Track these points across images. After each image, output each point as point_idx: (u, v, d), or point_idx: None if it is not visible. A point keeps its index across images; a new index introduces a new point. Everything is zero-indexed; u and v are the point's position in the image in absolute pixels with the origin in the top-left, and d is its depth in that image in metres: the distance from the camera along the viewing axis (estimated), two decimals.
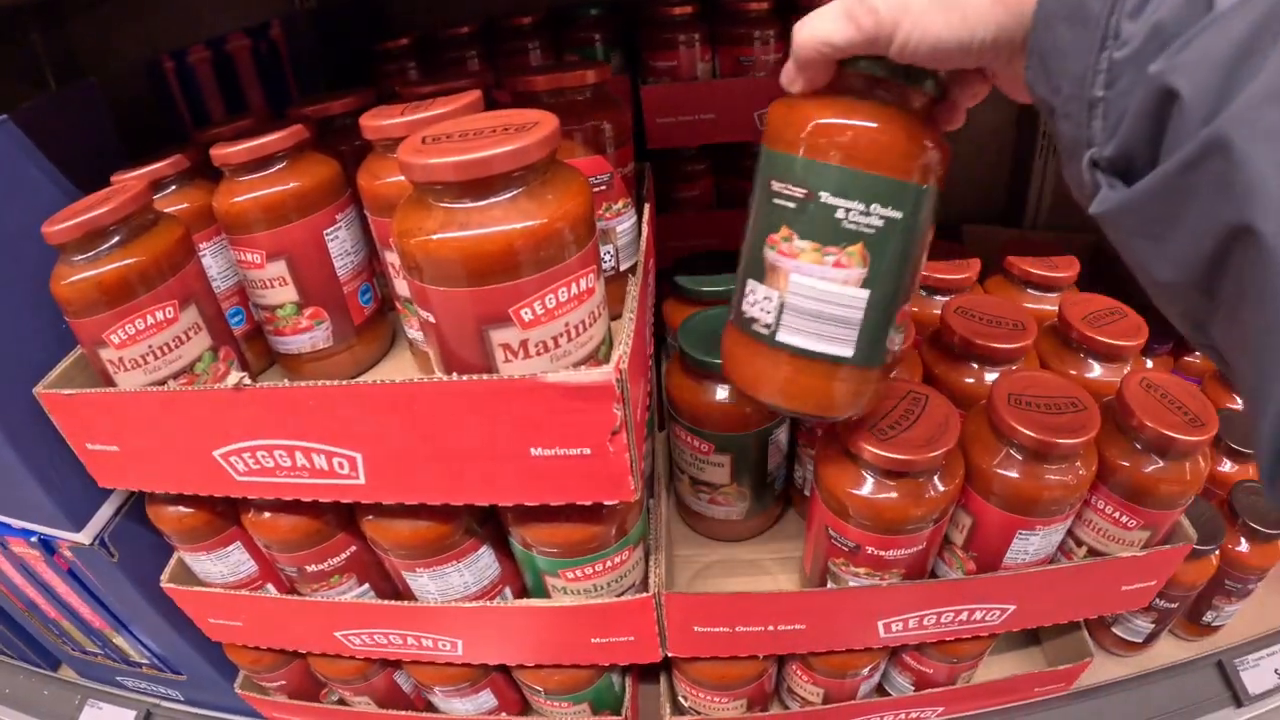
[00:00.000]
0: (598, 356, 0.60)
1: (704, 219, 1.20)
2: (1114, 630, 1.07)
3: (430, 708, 1.00)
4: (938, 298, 1.01)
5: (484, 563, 0.79)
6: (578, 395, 0.55)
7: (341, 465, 0.66)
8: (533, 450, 0.60)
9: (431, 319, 0.57)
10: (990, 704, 1.01)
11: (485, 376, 0.56)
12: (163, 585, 0.86)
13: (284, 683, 0.99)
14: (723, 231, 1.18)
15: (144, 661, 1.03)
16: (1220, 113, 0.31)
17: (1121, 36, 0.36)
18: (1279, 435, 0.33)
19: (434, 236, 0.53)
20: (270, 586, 0.89)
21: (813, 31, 0.49)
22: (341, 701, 1.02)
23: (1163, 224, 0.35)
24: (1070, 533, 0.85)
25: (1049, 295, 1.02)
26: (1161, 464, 0.76)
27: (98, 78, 0.92)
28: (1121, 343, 0.87)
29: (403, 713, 0.97)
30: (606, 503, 0.63)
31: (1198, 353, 1.28)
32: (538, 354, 0.57)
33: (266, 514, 0.78)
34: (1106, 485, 0.79)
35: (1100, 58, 0.37)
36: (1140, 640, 1.07)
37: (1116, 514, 0.80)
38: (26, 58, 1.07)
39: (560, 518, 0.70)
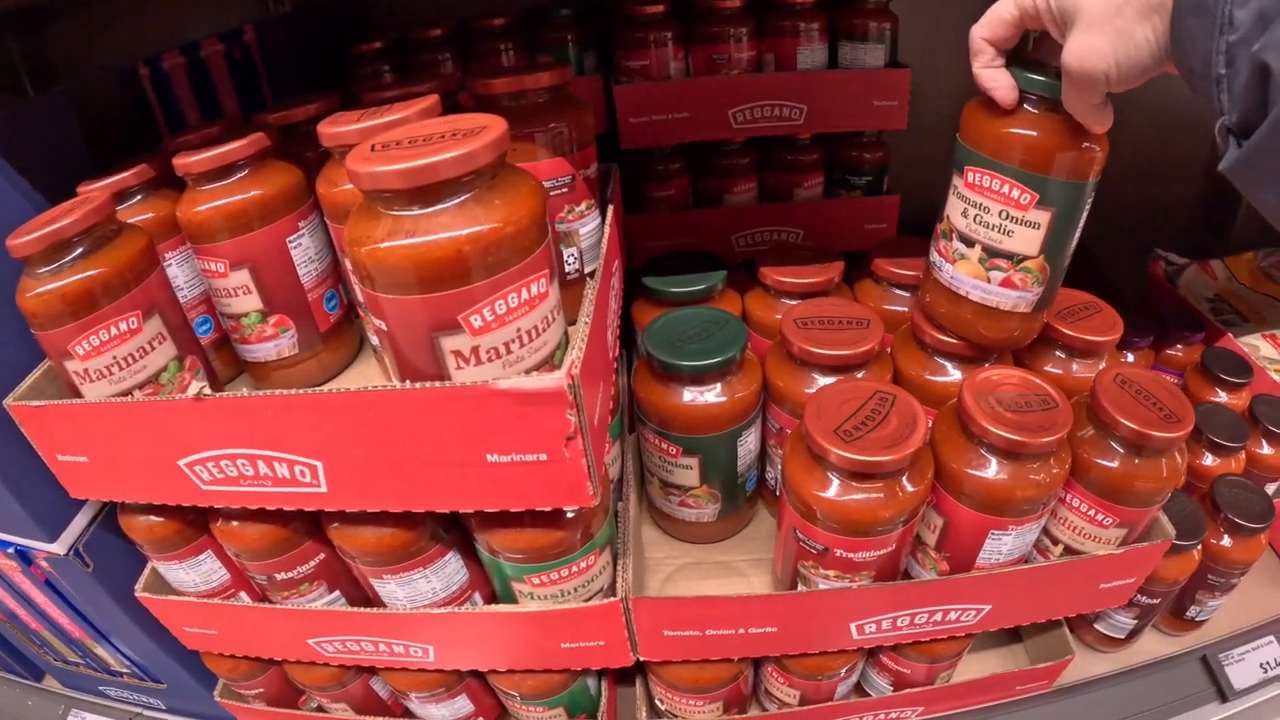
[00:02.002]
0: (553, 362, 0.60)
1: (678, 219, 1.19)
2: (1096, 626, 1.06)
3: (408, 714, 1.00)
4: (908, 295, 1.00)
5: (451, 569, 0.78)
6: (529, 401, 0.55)
7: (303, 473, 0.66)
8: (489, 457, 0.59)
9: (384, 326, 0.57)
10: (971, 703, 1.01)
11: (437, 384, 0.56)
12: (137, 595, 0.85)
13: (262, 690, 0.99)
14: (698, 231, 1.17)
15: (125, 671, 1.02)
16: None
17: (1234, 23, 0.44)
18: None
19: (382, 245, 0.52)
20: (243, 595, 0.88)
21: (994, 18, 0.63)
22: (320, 708, 1.02)
23: (1274, 172, 0.44)
24: (1046, 531, 0.84)
25: None
26: (1137, 461, 0.75)
27: (75, 85, 0.92)
28: (1096, 338, 0.86)
29: (380, 719, 0.97)
30: (568, 508, 0.63)
31: (1179, 346, 1.27)
32: (489, 360, 0.56)
33: (234, 523, 0.77)
34: (1082, 483, 0.78)
35: (1219, 41, 0.45)
36: (1123, 636, 1.07)
37: (1092, 512, 0.79)
38: (3, 65, 1.06)
39: (523, 523, 0.70)
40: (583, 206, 0.76)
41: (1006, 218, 0.74)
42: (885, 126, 1.14)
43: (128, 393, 0.70)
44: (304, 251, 0.76)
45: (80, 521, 0.82)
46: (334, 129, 0.66)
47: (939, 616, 0.83)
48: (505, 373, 0.57)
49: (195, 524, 0.81)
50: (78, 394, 0.69)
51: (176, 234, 0.79)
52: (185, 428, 0.65)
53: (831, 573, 0.77)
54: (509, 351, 0.56)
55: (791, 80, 1.09)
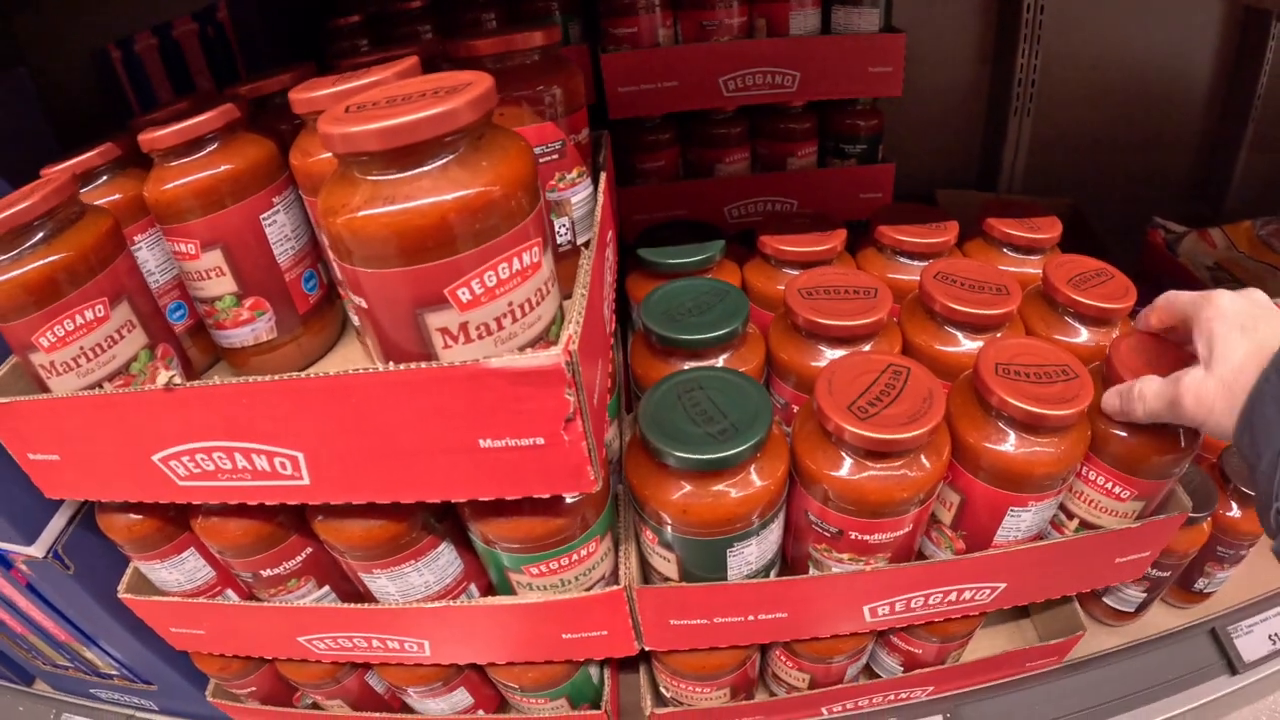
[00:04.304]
0: (548, 338, 0.56)
1: (669, 190, 1.16)
2: (1105, 600, 1.05)
3: (406, 708, 0.97)
4: (914, 263, 0.97)
5: (444, 561, 0.75)
6: (525, 381, 0.51)
7: (284, 465, 0.62)
8: (481, 442, 0.55)
9: (364, 304, 0.53)
10: (981, 681, 0.99)
11: (423, 365, 0.52)
12: (120, 596, 0.83)
13: (254, 689, 0.97)
14: (688, 203, 1.15)
15: (114, 673, 1.00)
16: None
17: None
18: None
19: (359, 214, 0.48)
20: (230, 592, 0.85)
21: (1149, 409, 0.68)
22: (315, 705, 0.99)
23: None
24: (1061, 506, 0.82)
25: (1030, 258, 0.99)
26: (1155, 432, 0.72)
27: (46, 69, 0.88)
28: (1110, 305, 0.84)
29: (378, 714, 0.95)
30: (567, 494, 0.60)
31: None
32: (479, 337, 0.52)
33: (216, 519, 0.74)
34: (1100, 456, 0.76)
35: None
36: (1132, 610, 1.06)
37: (1110, 485, 0.77)
38: None
39: (520, 511, 0.66)
40: (574, 174, 0.72)
41: None
42: (880, 93, 1.11)
43: (97, 385, 0.66)
44: (279, 229, 0.73)
45: (58, 523, 0.80)
46: (307, 94, 0.62)
47: (953, 596, 0.81)
48: (497, 351, 0.53)
49: (176, 521, 0.77)
50: (45, 389, 0.66)
51: (145, 215, 0.75)
52: (156, 420, 0.62)
53: (846, 556, 0.74)
54: (500, 327, 0.53)
55: (783, 46, 1.06)
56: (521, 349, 0.54)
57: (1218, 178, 1.75)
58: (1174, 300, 0.70)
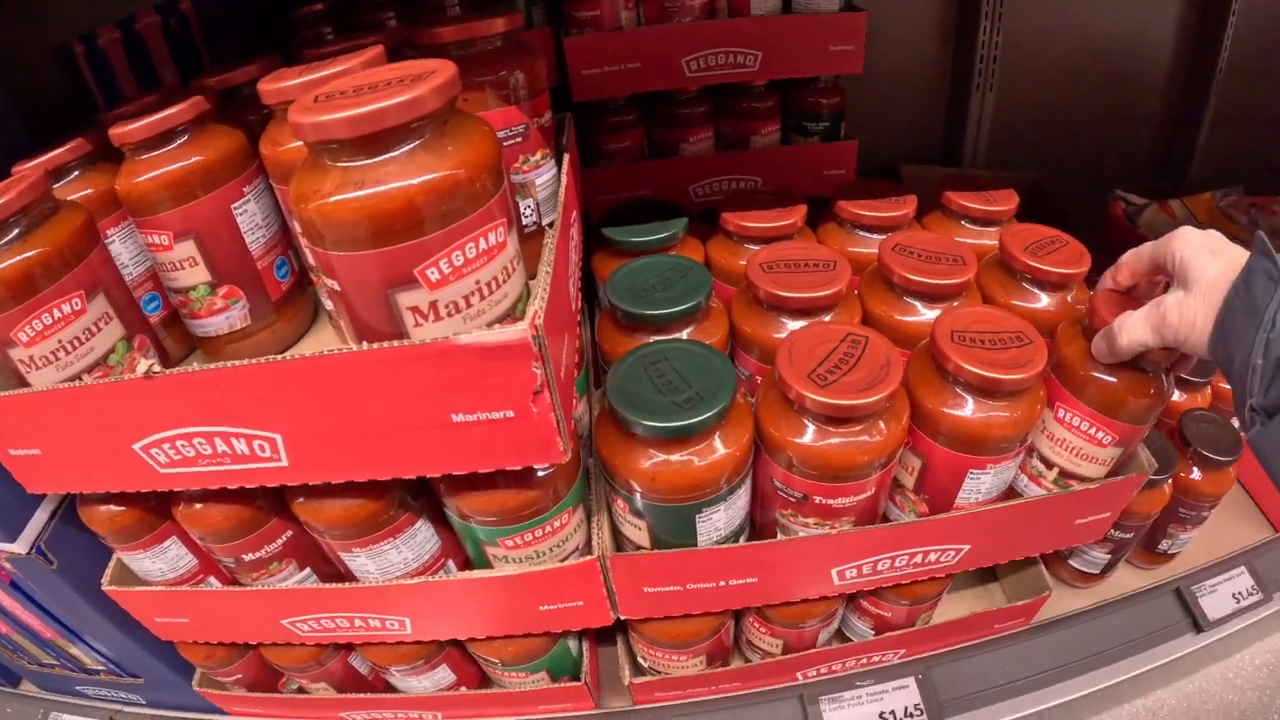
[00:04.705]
0: (515, 314, 0.58)
1: (634, 171, 1.17)
2: (1071, 563, 1.08)
3: (390, 688, 0.98)
4: (874, 236, 0.99)
5: (422, 537, 0.76)
6: (493, 356, 0.53)
7: (262, 448, 0.63)
8: (454, 417, 0.57)
9: (337, 287, 0.54)
10: (951, 643, 1.01)
11: (395, 343, 0.54)
12: (104, 588, 0.83)
13: (240, 676, 0.98)
14: (654, 182, 1.16)
15: (100, 668, 1.01)
16: None
17: (1275, 325, 0.57)
18: None
19: (331, 199, 0.50)
20: (212, 579, 0.86)
21: (1132, 337, 0.70)
22: (301, 690, 1.00)
23: None
24: (1040, 456, 0.84)
25: (988, 229, 1.00)
26: (1135, 375, 0.75)
27: (11, 67, 0.88)
28: (1066, 270, 0.86)
29: (362, 695, 0.96)
30: (538, 466, 0.61)
31: None
32: (449, 315, 0.54)
33: (197, 505, 0.75)
34: (1082, 399, 0.78)
35: (1259, 337, 0.57)
36: (1097, 571, 1.08)
37: (1092, 429, 0.79)
38: None
39: (493, 485, 0.68)
40: (538, 156, 0.74)
41: None
42: (841, 71, 1.12)
43: (76, 378, 0.67)
44: (251, 218, 0.74)
45: (40, 518, 0.80)
46: (276, 85, 0.63)
47: (919, 558, 0.83)
48: (466, 328, 0.55)
49: (157, 510, 0.78)
50: (24, 383, 0.66)
51: (118, 209, 0.76)
52: (137, 409, 0.63)
53: (811, 520, 0.76)
54: (469, 305, 0.54)
55: (745, 26, 1.07)
56: (489, 326, 0.56)
57: (1179, 152, 1.78)
58: (1139, 251, 0.73)
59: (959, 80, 1.57)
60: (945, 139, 1.66)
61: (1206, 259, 0.65)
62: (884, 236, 0.95)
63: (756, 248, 0.95)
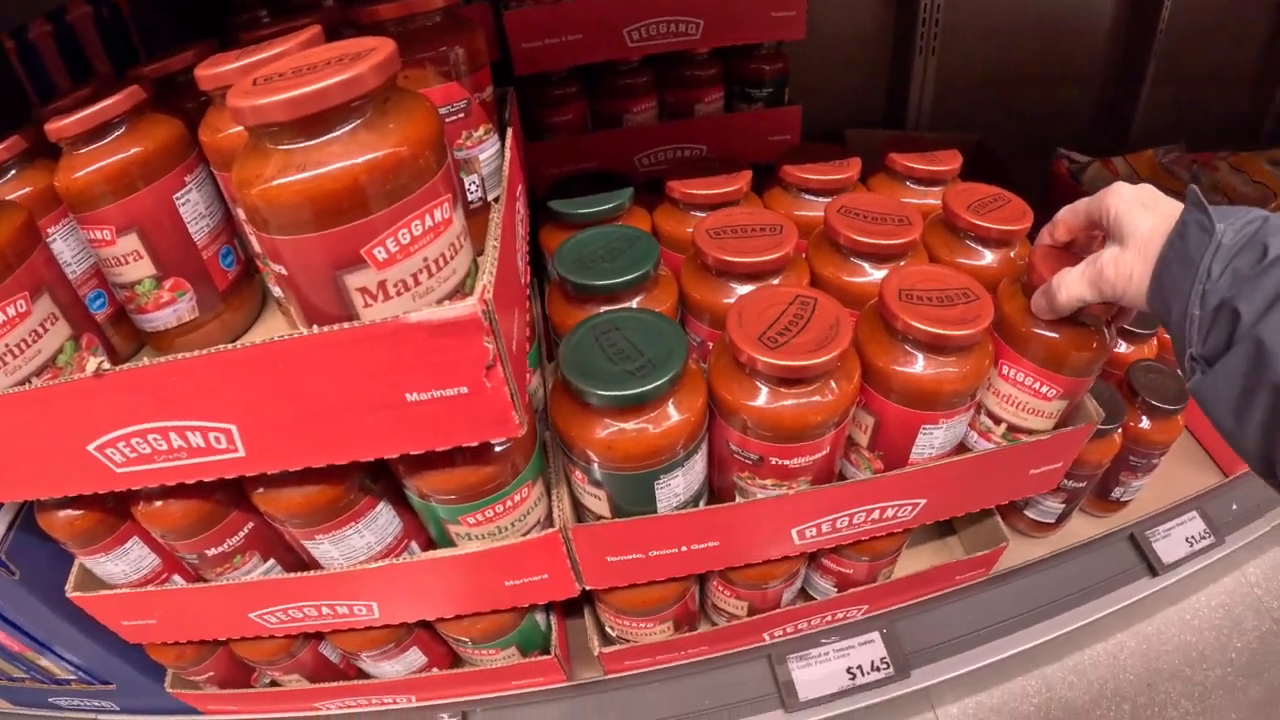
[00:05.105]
0: (463, 290, 0.58)
1: (579, 143, 1.16)
2: (1026, 513, 1.10)
3: (363, 674, 0.99)
4: (820, 199, 1.00)
5: (384, 520, 0.77)
6: (444, 332, 0.53)
7: (218, 440, 0.63)
8: (408, 396, 0.57)
9: (284, 271, 0.54)
10: (913, 596, 1.03)
11: (345, 325, 0.53)
12: (69, 595, 0.82)
13: (212, 674, 0.97)
14: (599, 154, 1.15)
15: (72, 677, 1.00)
16: (1258, 324, 0.53)
17: (1212, 276, 0.57)
18: None
19: (274, 183, 0.49)
20: (177, 578, 0.86)
21: (1070, 294, 0.71)
22: (274, 683, 1.00)
23: (1231, 393, 0.55)
24: (988, 411, 0.86)
25: (933, 189, 1.02)
26: (1076, 329, 0.77)
27: None
28: (1009, 226, 0.87)
29: (335, 684, 0.96)
30: (495, 442, 0.62)
31: None
32: (398, 294, 0.54)
33: (156, 503, 0.74)
34: (1025, 355, 0.79)
35: (1197, 288, 0.58)
36: (1053, 521, 1.11)
37: (1037, 384, 0.80)
38: None
39: (451, 463, 0.68)
40: (481, 131, 0.73)
41: None
42: (783, 37, 1.12)
43: (25, 381, 0.65)
44: (193, 207, 0.73)
45: None
46: (213, 70, 0.62)
47: (877, 514, 0.84)
48: (416, 306, 0.55)
49: (116, 511, 0.78)
50: None
51: (58, 206, 0.74)
52: (89, 409, 0.62)
53: (769, 481, 0.77)
54: (417, 283, 0.54)
55: None
56: (439, 303, 0.56)
57: (1122, 111, 1.80)
58: (1074, 207, 0.74)
59: (902, 43, 1.58)
60: (889, 102, 1.67)
61: (1140, 213, 0.66)
62: (829, 199, 0.95)
63: (703, 215, 0.95)
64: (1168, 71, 1.73)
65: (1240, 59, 1.82)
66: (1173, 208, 0.65)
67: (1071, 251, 0.77)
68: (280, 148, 0.50)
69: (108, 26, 1.06)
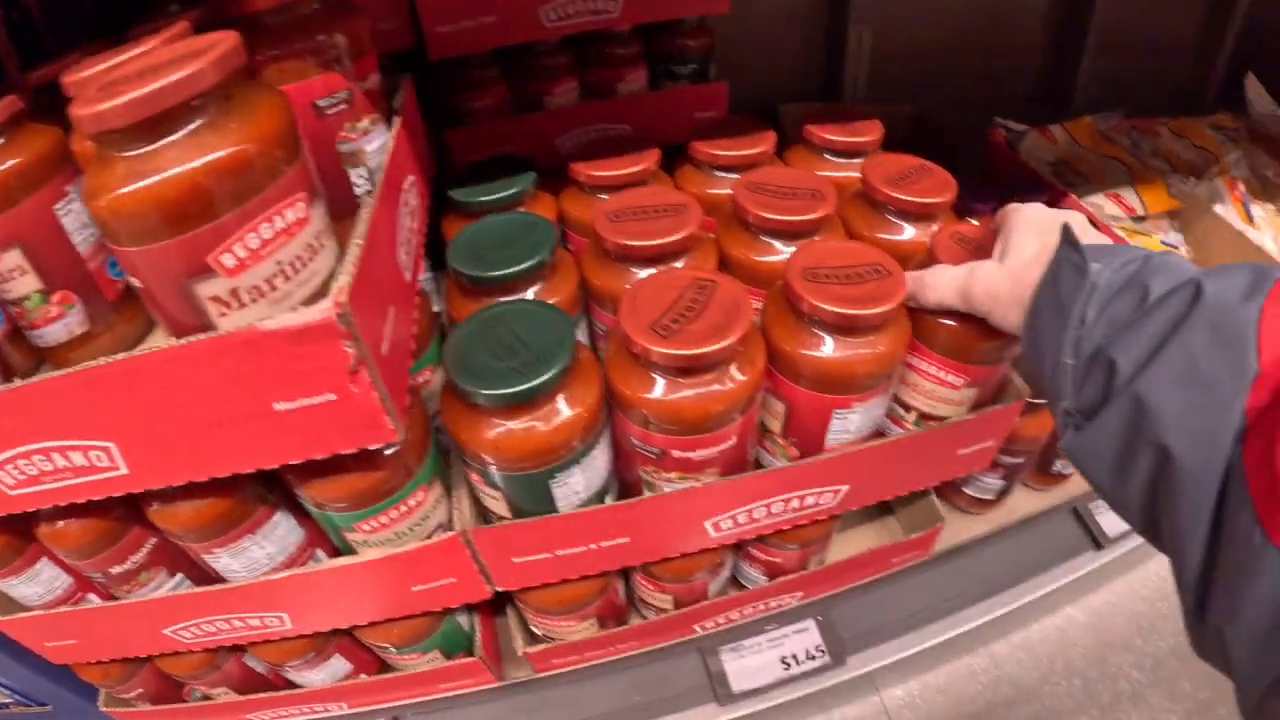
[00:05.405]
0: (327, 293, 0.56)
1: (498, 128, 1.13)
2: (966, 490, 1.09)
3: (292, 684, 0.97)
4: (732, 176, 0.96)
5: (283, 530, 0.75)
6: (301, 339, 0.51)
7: (99, 458, 0.61)
8: (276, 405, 0.55)
9: (139, 284, 0.52)
10: (850, 581, 1.02)
11: (199, 337, 0.52)
12: None
13: (142, 690, 0.96)
14: (520, 138, 1.12)
15: (9, 700, 0.98)
16: (1137, 378, 0.47)
17: (1086, 322, 0.52)
18: (1192, 613, 0.45)
19: (118, 192, 0.48)
20: (92, 597, 0.84)
21: (938, 297, 0.71)
22: (205, 697, 0.99)
23: (1110, 452, 0.49)
24: (898, 399, 0.84)
25: (853, 161, 0.98)
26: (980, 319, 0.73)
27: None
28: (930, 200, 0.84)
29: (264, 695, 0.95)
30: (381, 446, 0.60)
31: None
32: (253, 301, 0.52)
33: (58, 523, 0.73)
34: (929, 345, 0.77)
35: (1070, 334, 0.53)
36: (993, 497, 1.10)
37: (943, 374, 0.78)
38: None
39: (341, 470, 0.67)
40: (366, 123, 0.71)
41: None
42: (706, 12, 1.10)
43: None
44: (76, 217, 0.70)
45: None
46: (75, 76, 0.60)
47: (796, 503, 0.83)
48: (273, 312, 0.53)
49: (22, 533, 0.76)
50: None
51: None
52: None
53: (674, 474, 0.75)
54: (274, 288, 0.52)
55: None
56: (299, 306, 0.54)
57: (1062, 82, 1.79)
58: (1003, 209, 0.71)
59: (836, 15, 1.55)
60: (826, 75, 1.64)
61: (1031, 236, 0.63)
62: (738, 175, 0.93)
63: (609, 197, 0.92)
64: (1107, 43, 1.72)
65: (1181, 28, 1.81)
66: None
67: (984, 247, 0.74)
68: (124, 155, 0.48)
69: (19, 30, 1.03)
